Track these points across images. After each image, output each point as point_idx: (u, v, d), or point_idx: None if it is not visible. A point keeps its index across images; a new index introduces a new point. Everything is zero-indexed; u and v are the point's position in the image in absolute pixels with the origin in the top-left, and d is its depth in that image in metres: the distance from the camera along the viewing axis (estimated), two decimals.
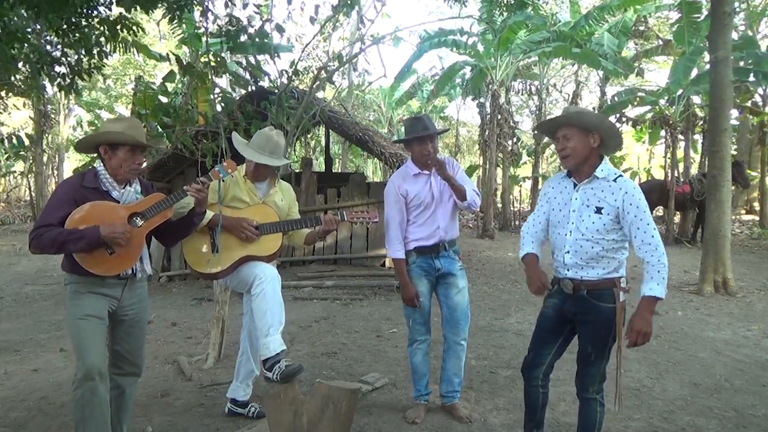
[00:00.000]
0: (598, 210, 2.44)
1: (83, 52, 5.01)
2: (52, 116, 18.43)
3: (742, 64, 11.13)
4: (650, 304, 2.36)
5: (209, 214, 2.99)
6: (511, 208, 17.15)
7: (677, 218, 13.59)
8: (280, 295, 2.96)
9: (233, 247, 3.03)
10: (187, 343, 5.15)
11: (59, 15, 4.32)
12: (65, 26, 4.64)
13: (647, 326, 2.35)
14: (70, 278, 2.54)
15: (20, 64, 4.86)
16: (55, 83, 5.03)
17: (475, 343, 4.88)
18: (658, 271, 2.34)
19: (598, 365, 2.50)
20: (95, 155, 2.67)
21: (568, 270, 2.51)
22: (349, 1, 6.08)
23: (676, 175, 12.88)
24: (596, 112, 2.69)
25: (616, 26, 13.34)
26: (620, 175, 2.46)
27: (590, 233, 2.45)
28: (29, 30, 4.79)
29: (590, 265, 2.46)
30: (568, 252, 2.50)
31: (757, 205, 16.63)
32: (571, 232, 2.50)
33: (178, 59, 5.66)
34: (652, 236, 2.36)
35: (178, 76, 6.12)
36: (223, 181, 2.93)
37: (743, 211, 17.69)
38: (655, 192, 12.82)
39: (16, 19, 4.36)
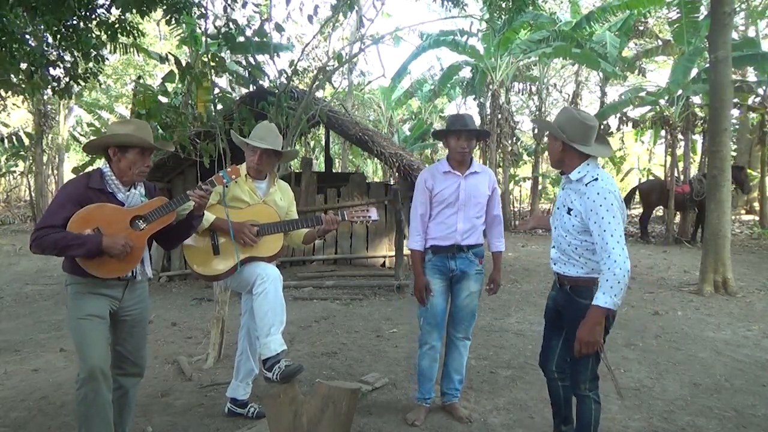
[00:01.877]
0: (569, 211, 2.51)
1: (80, 56, 4.98)
2: (52, 116, 18.43)
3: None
4: (595, 314, 2.34)
5: (210, 216, 2.99)
6: (511, 208, 17.17)
7: (677, 218, 13.60)
8: (282, 295, 2.96)
9: (235, 248, 3.03)
10: (187, 343, 5.15)
11: (56, 17, 4.30)
12: (63, 28, 4.61)
13: (589, 336, 2.35)
14: (71, 279, 2.54)
15: (20, 63, 4.83)
16: (50, 87, 4.98)
17: (475, 343, 4.88)
18: (607, 280, 2.31)
19: (584, 362, 2.52)
20: (96, 156, 2.67)
21: (554, 264, 2.64)
22: (348, 1, 6.07)
23: (676, 174, 12.89)
24: (576, 112, 2.70)
25: (617, 26, 13.34)
26: (594, 179, 2.43)
27: (565, 231, 2.54)
28: (27, 31, 4.77)
29: (571, 261, 2.54)
30: (554, 247, 2.64)
31: (756, 205, 16.63)
32: (556, 227, 2.63)
33: (177, 61, 5.65)
34: (607, 243, 2.32)
35: (177, 77, 6.11)
36: (226, 186, 2.93)
37: (743, 211, 17.69)
38: (654, 192, 12.84)
39: (15, 20, 4.33)
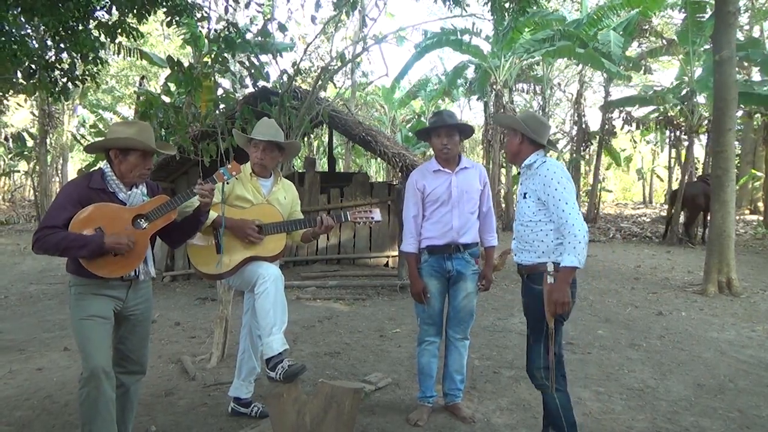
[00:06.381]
0: (525, 195, 2.71)
1: (78, 57, 4.95)
2: (57, 116, 18.49)
3: (746, 64, 11.10)
4: (565, 275, 2.50)
5: (212, 214, 2.99)
6: (514, 208, 17.14)
7: (681, 219, 13.55)
8: (284, 294, 2.96)
9: (238, 247, 3.03)
10: (191, 343, 5.16)
11: (56, 18, 4.28)
12: (62, 30, 4.58)
13: (562, 296, 2.49)
14: (74, 280, 2.54)
15: (21, 63, 4.81)
16: (47, 88, 4.93)
17: (479, 343, 4.88)
18: (569, 242, 2.47)
19: (537, 348, 2.62)
20: (100, 156, 2.66)
21: (515, 255, 2.76)
22: (350, 0, 6.08)
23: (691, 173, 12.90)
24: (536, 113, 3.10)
25: (621, 26, 13.30)
26: (543, 163, 2.67)
27: (524, 218, 2.71)
28: (28, 32, 4.75)
29: (526, 249, 2.68)
30: (515, 238, 2.77)
31: (761, 205, 16.56)
32: (516, 219, 2.77)
33: (179, 64, 5.65)
34: (563, 210, 2.51)
35: (179, 79, 6.12)
36: (227, 183, 2.93)
37: (747, 211, 17.64)
38: (700, 196, 11.37)
39: (14, 21, 4.32)
